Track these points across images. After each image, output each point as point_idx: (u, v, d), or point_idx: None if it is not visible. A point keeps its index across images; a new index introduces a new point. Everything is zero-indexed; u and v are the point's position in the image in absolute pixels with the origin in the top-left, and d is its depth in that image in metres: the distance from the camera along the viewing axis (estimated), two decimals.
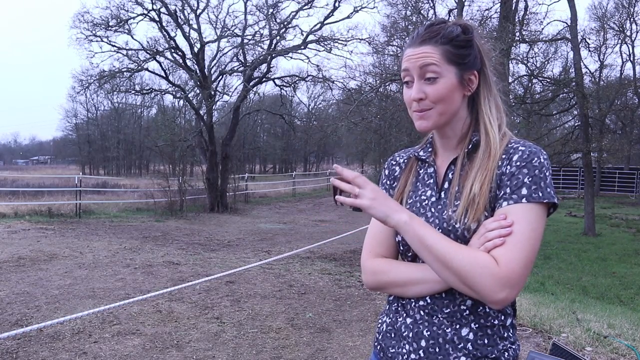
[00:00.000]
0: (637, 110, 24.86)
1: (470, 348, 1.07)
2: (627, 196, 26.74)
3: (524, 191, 1.04)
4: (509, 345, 1.10)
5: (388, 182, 1.28)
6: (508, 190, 1.05)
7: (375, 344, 1.24)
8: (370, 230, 1.25)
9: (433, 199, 1.16)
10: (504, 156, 1.09)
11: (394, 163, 1.30)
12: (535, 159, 1.06)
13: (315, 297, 5.54)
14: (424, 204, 1.16)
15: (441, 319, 1.10)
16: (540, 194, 1.03)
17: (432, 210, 1.14)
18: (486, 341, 1.08)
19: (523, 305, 4.93)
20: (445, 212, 1.11)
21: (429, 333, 1.10)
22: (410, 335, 1.13)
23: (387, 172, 1.30)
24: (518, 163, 1.07)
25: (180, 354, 3.78)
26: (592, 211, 13.81)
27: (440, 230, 1.09)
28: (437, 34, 1.11)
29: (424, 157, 1.22)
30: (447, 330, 1.09)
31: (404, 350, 1.13)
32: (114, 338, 4.04)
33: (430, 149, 1.23)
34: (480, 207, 1.06)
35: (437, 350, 1.09)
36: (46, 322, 3.87)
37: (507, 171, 1.07)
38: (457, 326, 1.09)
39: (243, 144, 39.62)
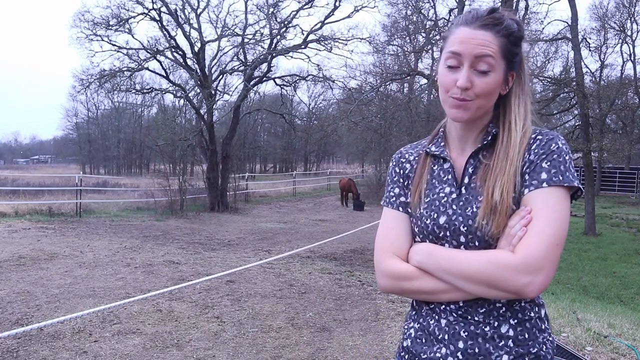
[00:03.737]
0: (638, 110, 24.84)
1: (512, 345, 1.03)
2: (627, 196, 26.72)
3: (544, 176, 1.03)
4: (547, 336, 1.07)
5: (401, 181, 1.21)
6: (528, 177, 1.04)
7: (402, 353, 1.17)
8: (383, 229, 1.18)
9: (453, 195, 1.10)
10: (525, 149, 1.07)
11: (404, 160, 1.23)
12: (553, 144, 1.05)
13: (316, 297, 5.54)
14: (443, 201, 1.11)
15: (477, 318, 1.05)
16: (561, 177, 1.02)
17: (454, 207, 1.09)
18: (526, 336, 1.04)
19: None
20: (469, 209, 1.06)
21: (466, 333, 1.05)
22: (447, 337, 1.07)
23: (397, 169, 1.23)
24: (536, 150, 1.05)
25: (181, 353, 3.78)
26: (593, 211, 13.81)
27: (465, 229, 1.06)
28: (500, 23, 1.04)
29: (437, 153, 1.16)
30: (486, 329, 1.04)
31: (439, 355, 1.07)
32: (114, 337, 4.04)
33: (442, 143, 1.17)
34: (502, 215, 1.02)
35: (477, 350, 1.03)
36: (46, 321, 3.88)
37: (527, 160, 1.05)
38: (496, 324, 1.04)
39: (243, 144, 39.61)
